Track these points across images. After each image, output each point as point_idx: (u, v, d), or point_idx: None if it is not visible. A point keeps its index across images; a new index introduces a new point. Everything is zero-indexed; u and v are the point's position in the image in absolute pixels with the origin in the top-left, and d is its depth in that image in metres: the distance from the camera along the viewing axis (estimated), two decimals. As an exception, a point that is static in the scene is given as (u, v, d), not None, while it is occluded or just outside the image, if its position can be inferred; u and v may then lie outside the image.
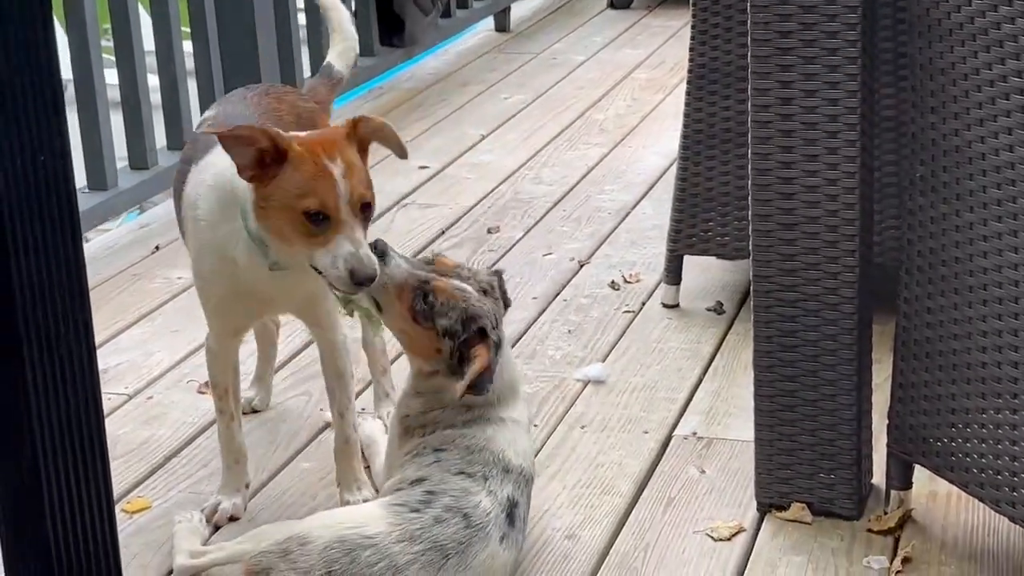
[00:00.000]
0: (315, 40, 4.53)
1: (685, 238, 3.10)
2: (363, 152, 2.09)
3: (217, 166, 2.16)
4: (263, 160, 2.01)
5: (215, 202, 2.17)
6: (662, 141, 4.23)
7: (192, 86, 3.94)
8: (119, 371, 2.90)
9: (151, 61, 3.87)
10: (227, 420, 2.33)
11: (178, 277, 3.36)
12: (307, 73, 4.49)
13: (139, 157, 3.75)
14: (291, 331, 3.00)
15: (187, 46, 3.89)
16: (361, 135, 2.08)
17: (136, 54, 3.70)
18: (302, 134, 2.09)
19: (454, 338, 2.10)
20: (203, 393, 2.79)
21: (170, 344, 3.01)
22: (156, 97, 3.80)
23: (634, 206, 3.77)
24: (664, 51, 5.32)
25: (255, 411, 2.69)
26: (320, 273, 2.04)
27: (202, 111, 3.97)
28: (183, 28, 3.90)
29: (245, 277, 2.18)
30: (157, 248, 3.55)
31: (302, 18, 4.48)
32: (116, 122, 3.66)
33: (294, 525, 2.04)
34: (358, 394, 2.68)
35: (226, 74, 3.97)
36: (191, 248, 2.28)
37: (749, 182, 2.21)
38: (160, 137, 3.84)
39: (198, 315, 3.14)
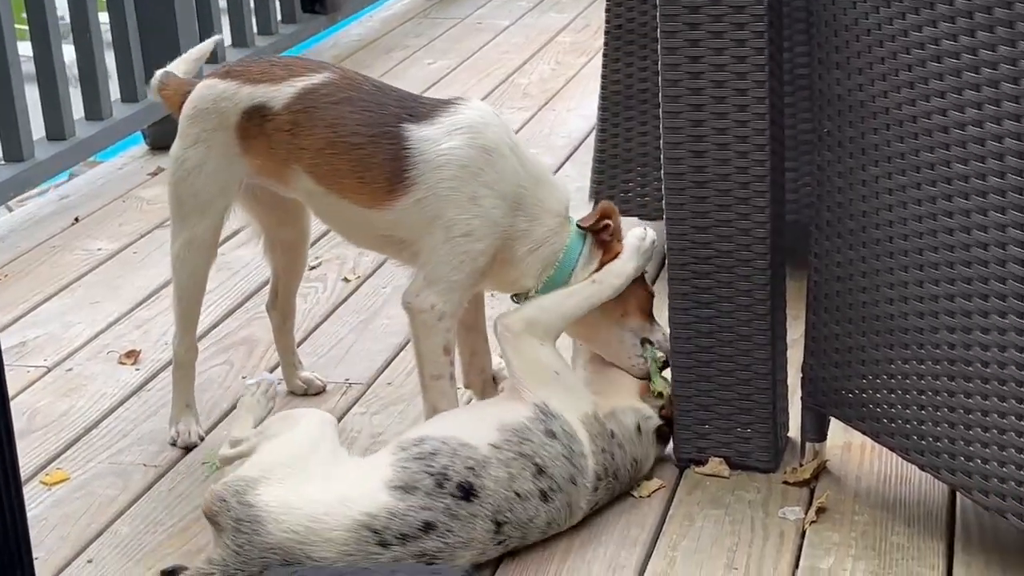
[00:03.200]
0: (235, 9, 4.48)
1: (605, 199, 3.10)
2: None
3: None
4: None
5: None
6: (585, 104, 4.24)
7: (110, 58, 3.90)
8: (38, 343, 2.88)
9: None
10: None
11: (98, 248, 3.33)
12: (228, 42, 4.45)
13: (56, 128, 3.71)
14: (212, 300, 2.99)
15: (103, 17, 3.84)
16: None
17: (51, 26, 3.64)
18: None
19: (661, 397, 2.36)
20: (123, 364, 2.78)
21: (90, 316, 2.99)
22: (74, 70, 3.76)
23: (558, 169, 3.78)
24: (588, 14, 5.32)
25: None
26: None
27: (120, 82, 3.94)
28: (98, -2, 3.85)
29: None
30: (77, 220, 3.51)
31: (221, -14, 4.43)
32: (32, 95, 3.62)
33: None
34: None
35: (144, 45, 3.93)
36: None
37: (661, 141, 2.23)
38: (78, 108, 3.80)
39: (117, 286, 3.14)
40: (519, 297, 2.33)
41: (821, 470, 2.30)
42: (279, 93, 2.29)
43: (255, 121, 2.30)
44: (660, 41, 2.18)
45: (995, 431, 1.93)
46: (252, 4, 4.58)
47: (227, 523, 1.99)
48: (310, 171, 2.29)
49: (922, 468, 2.09)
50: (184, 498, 2.31)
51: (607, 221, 2.29)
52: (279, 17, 4.76)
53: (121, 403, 2.64)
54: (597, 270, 2.29)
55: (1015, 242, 1.83)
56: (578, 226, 2.29)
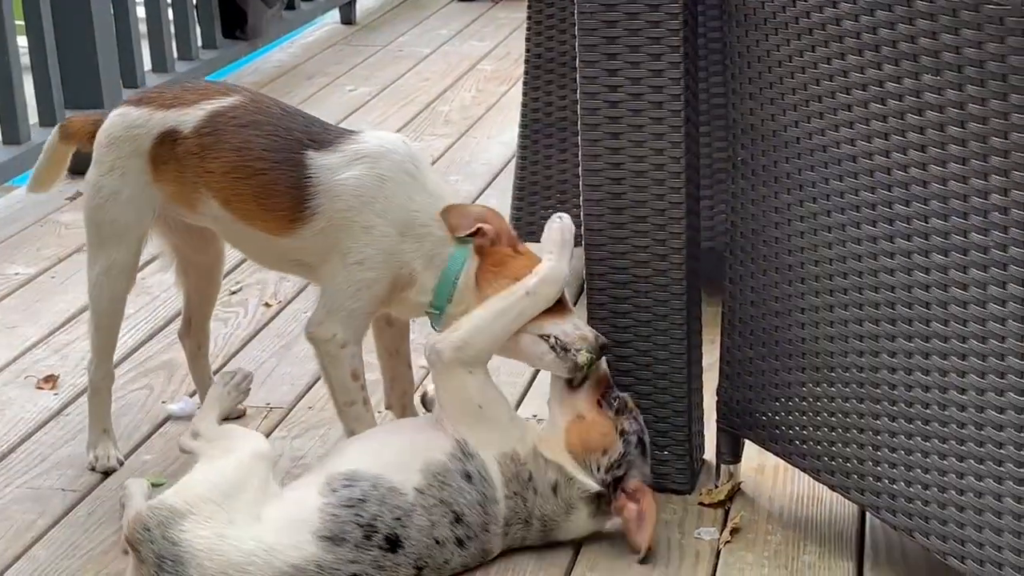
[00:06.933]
0: (155, 35, 4.48)
1: (526, 226, 3.14)
2: None
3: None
4: None
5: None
6: (506, 132, 4.28)
7: (28, 82, 3.88)
8: (-46, 369, 2.86)
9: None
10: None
11: (15, 273, 3.31)
12: (147, 67, 4.44)
13: (-27, 152, 3.69)
14: (132, 324, 2.99)
15: (22, 41, 3.82)
16: None
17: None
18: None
19: (626, 445, 2.17)
20: (41, 389, 2.76)
21: (7, 340, 2.97)
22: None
23: (478, 196, 3.81)
24: (509, 43, 5.37)
25: None
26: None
27: (39, 107, 3.92)
28: (17, 22, 3.83)
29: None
30: (-7, 244, 3.50)
31: (141, 11, 4.42)
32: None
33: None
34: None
35: (63, 69, 3.91)
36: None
37: (579, 169, 2.27)
38: (-5, 132, 3.77)
39: (35, 311, 3.12)
40: (434, 318, 2.26)
41: (736, 491, 2.34)
42: (189, 117, 2.30)
43: (167, 146, 2.31)
44: (579, 70, 2.22)
45: (902, 452, 1.99)
46: (172, 29, 4.58)
47: (149, 556, 1.98)
48: (217, 196, 2.29)
49: (833, 489, 2.15)
50: (103, 522, 2.31)
51: (480, 226, 2.21)
52: (200, 42, 4.75)
53: (39, 428, 2.62)
54: (486, 275, 2.20)
55: (920, 268, 1.89)
56: (455, 237, 2.22)
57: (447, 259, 2.22)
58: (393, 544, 2.03)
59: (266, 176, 2.25)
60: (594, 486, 2.16)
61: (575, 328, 2.19)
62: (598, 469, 2.16)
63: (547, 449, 2.17)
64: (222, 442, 2.15)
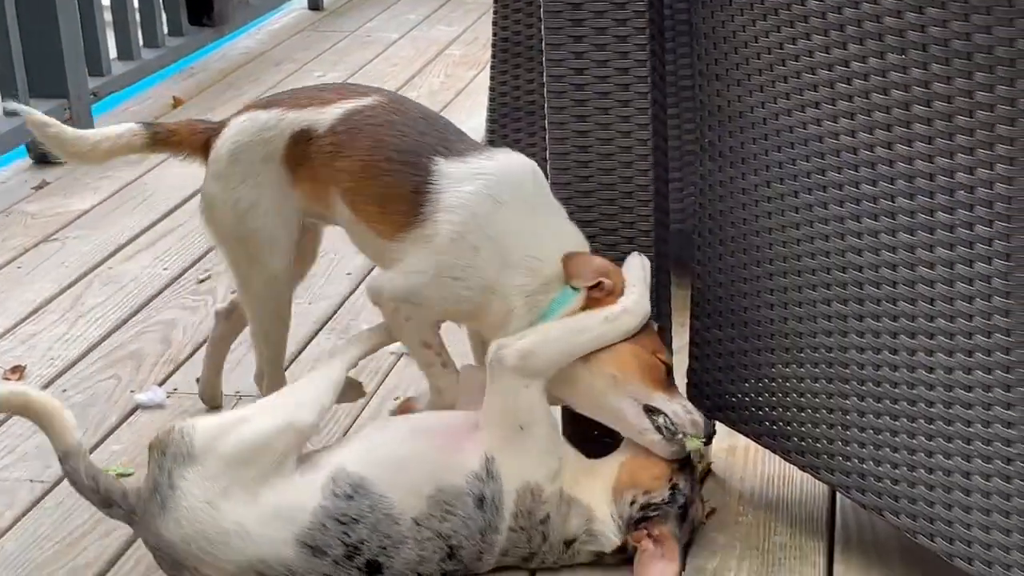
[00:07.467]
0: (120, 22, 4.44)
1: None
2: None
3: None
4: None
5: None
6: (475, 116, 4.24)
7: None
8: (-80, 361, 2.84)
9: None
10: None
11: (-19, 264, 3.29)
12: (113, 55, 4.41)
13: (-63, 142, 3.65)
14: (98, 313, 2.97)
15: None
16: None
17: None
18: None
19: (671, 497, 2.06)
20: (8, 379, 2.74)
21: (-27, 332, 2.96)
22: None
23: (447, 181, 3.80)
24: (478, 27, 5.36)
25: None
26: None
27: (3, 95, 3.88)
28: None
29: None
30: (-41, 235, 3.46)
31: (106, -2, 4.40)
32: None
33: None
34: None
35: (27, 58, 3.88)
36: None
37: (547, 152, 2.27)
38: (-41, 122, 3.74)
39: (1, 301, 3.10)
40: None
41: (707, 473, 2.34)
42: (325, 115, 2.20)
43: (301, 146, 2.21)
44: (545, 55, 2.21)
45: (871, 431, 1.99)
46: (138, 16, 4.55)
47: (151, 477, 1.99)
48: (344, 195, 2.20)
49: (803, 469, 2.15)
50: (71, 512, 2.29)
51: (601, 280, 2.12)
52: (166, 30, 4.73)
53: (6, 419, 2.60)
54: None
55: (887, 248, 1.90)
56: (570, 285, 2.12)
57: (548, 301, 2.12)
58: (373, 570, 1.99)
59: (391, 178, 2.15)
60: (611, 543, 2.05)
61: (685, 411, 2.09)
62: (632, 502, 2.05)
63: (585, 485, 2.08)
64: (299, 386, 2.11)
